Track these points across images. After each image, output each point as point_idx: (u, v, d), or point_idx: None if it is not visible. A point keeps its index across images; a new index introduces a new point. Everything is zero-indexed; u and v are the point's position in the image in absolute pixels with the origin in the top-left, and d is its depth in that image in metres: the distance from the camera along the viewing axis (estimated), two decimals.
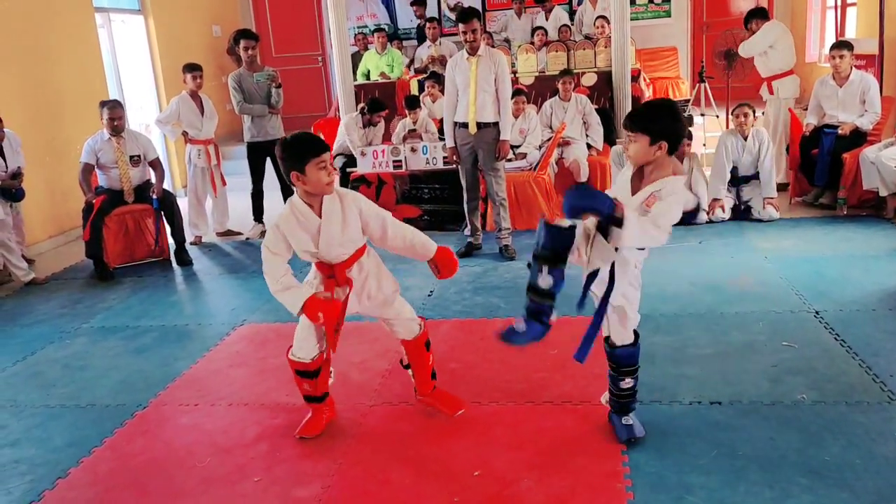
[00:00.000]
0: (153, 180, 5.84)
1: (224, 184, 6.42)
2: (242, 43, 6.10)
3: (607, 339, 2.69)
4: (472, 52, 4.95)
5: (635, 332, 2.68)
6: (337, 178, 2.92)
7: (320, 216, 2.64)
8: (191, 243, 6.15)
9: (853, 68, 5.73)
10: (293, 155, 2.58)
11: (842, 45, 5.80)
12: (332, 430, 2.99)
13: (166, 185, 8.06)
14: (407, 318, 2.98)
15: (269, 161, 6.22)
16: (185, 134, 6.20)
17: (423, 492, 2.54)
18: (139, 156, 5.68)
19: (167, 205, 5.63)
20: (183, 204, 6.49)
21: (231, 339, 4.07)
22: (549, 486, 2.52)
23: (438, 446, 2.82)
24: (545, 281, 2.52)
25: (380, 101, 6.69)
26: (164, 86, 8.20)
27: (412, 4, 9.45)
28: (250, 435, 3.00)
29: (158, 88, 8.26)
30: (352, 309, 2.81)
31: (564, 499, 2.44)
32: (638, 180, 2.53)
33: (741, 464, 2.55)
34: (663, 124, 2.43)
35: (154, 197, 5.63)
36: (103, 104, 5.57)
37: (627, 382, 2.71)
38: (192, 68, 6.11)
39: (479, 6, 9.82)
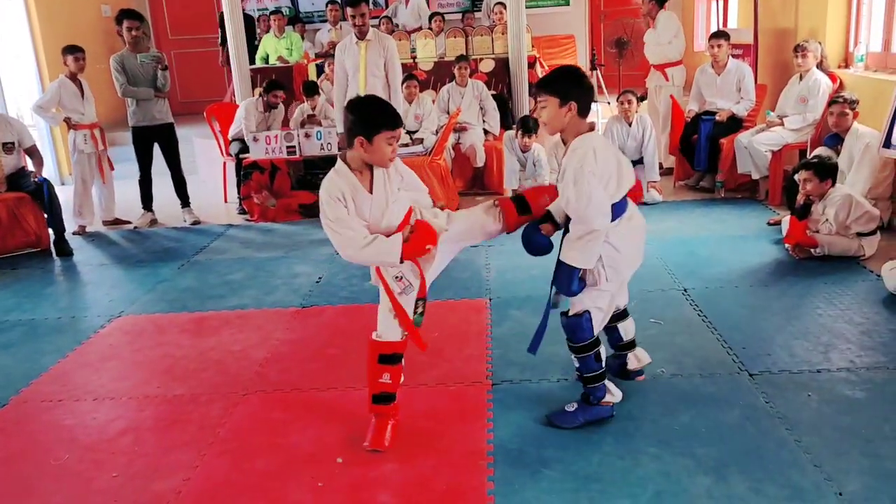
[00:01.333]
0: (30, 168, 5.55)
1: (112, 169, 6.16)
2: (126, 23, 5.84)
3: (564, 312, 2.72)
4: (361, 36, 4.93)
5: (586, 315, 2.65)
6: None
7: (370, 190, 2.47)
8: (74, 233, 5.88)
9: (730, 57, 6.00)
10: (367, 120, 2.39)
11: (720, 34, 6.06)
12: (201, 421, 2.93)
13: (52, 173, 7.77)
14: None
15: (156, 146, 6.01)
16: (67, 120, 5.90)
17: (288, 479, 2.53)
18: (13, 143, 5.39)
19: (43, 193, 5.35)
20: (67, 192, 6.21)
21: (105, 331, 3.92)
22: (413, 467, 2.55)
23: (307, 434, 2.81)
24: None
25: (277, 81, 6.56)
26: (47, 68, 7.77)
27: None
28: (113, 430, 2.90)
29: (41, 71, 7.82)
30: (415, 283, 2.61)
31: (426, 478, 2.48)
32: (566, 152, 2.53)
33: (598, 437, 2.65)
34: (569, 85, 2.47)
35: (35, 181, 5.35)
36: None
37: (576, 361, 2.71)
38: (73, 50, 5.80)
39: None
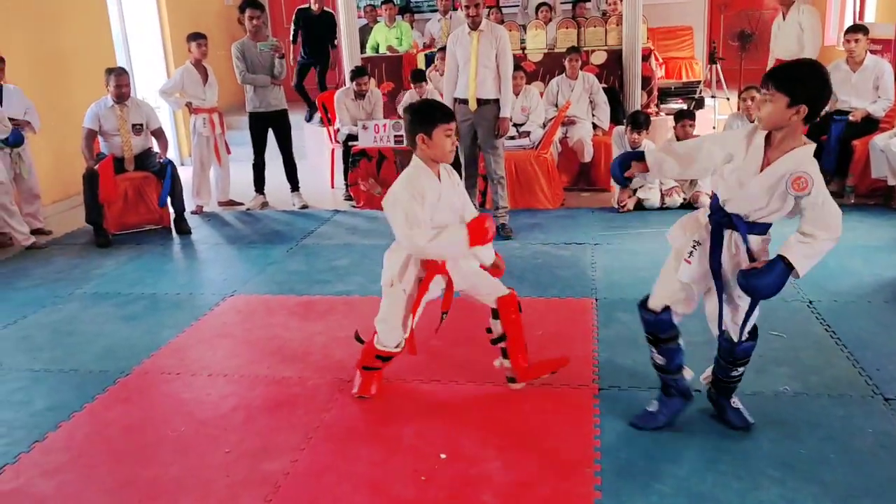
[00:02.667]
0: (155, 149, 5.85)
1: (229, 153, 6.41)
2: (248, 12, 6.04)
3: (724, 332, 2.56)
4: (474, 26, 4.87)
5: (755, 327, 2.55)
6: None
7: (439, 179, 2.71)
8: (192, 212, 6.16)
9: (868, 53, 5.57)
10: (423, 118, 2.65)
11: (857, 28, 5.64)
12: (308, 405, 2.99)
13: (173, 155, 8.18)
14: (490, 282, 2.97)
15: (271, 132, 6.20)
16: (188, 104, 6.17)
17: (391, 470, 2.53)
18: (142, 124, 5.68)
19: (167, 173, 5.62)
20: (187, 173, 6.51)
21: (220, 309, 4.07)
22: (517, 468, 2.50)
23: (410, 426, 2.80)
24: (658, 359, 2.64)
25: (362, 68, 6.64)
26: (172, 54, 8.17)
27: None
28: (226, 406, 3.00)
29: (167, 57, 8.23)
30: (460, 286, 2.87)
31: (531, 481, 2.43)
32: (768, 146, 2.32)
33: (714, 454, 2.52)
34: (809, 85, 2.21)
35: (159, 162, 5.64)
36: (109, 71, 5.58)
37: (738, 371, 2.60)
38: (196, 37, 6.06)
39: None
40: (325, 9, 8.12)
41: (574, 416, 2.80)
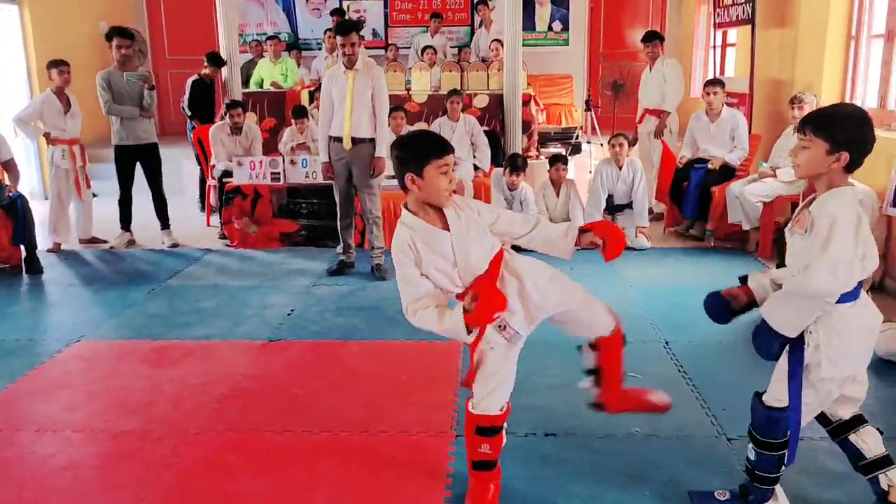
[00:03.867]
0: (6, 182, 5.43)
1: (89, 187, 6.03)
2: (115, 41, 5.77)
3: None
4: (350, 65, 4.84)
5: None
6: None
7: (445, 227, 2.24)
8: (48, 250, 5.74)
9: (725, 105, 5.94)
10: (412, 154, 2.21)
11: (715, 82, 6.01)
12: (147, 461, 2.76)
13: (36, 188, 7.66)
14: (598, 305, 2.51)
15: (138, 166, 5.90)
16: (46, 135, 5.79)
17: None
18: None
19: (17, 208, 5.21)
20: (44, 208, 6.08)
21: (62, 356, 3.76)
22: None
23: (257, 482, 2.63)
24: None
25: (237, 101, 6.50)
26: (38, 83, 7.69)
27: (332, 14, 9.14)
28: (52, 466, 2.73)
29: (32, 85, 7.74)
30: (533, 322, 2.37)
31: None
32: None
33: (562, 500, 2.49)
34: (851, 131, 2.04)
35: (9, 196, 5.22)
36: None
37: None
38: (57, 63, 5.73)
39: (381, 22, 9.76)
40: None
41: (427, 467, 2.72)
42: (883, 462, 2.26)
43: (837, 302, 2.09)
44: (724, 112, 5.88)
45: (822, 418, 2.31)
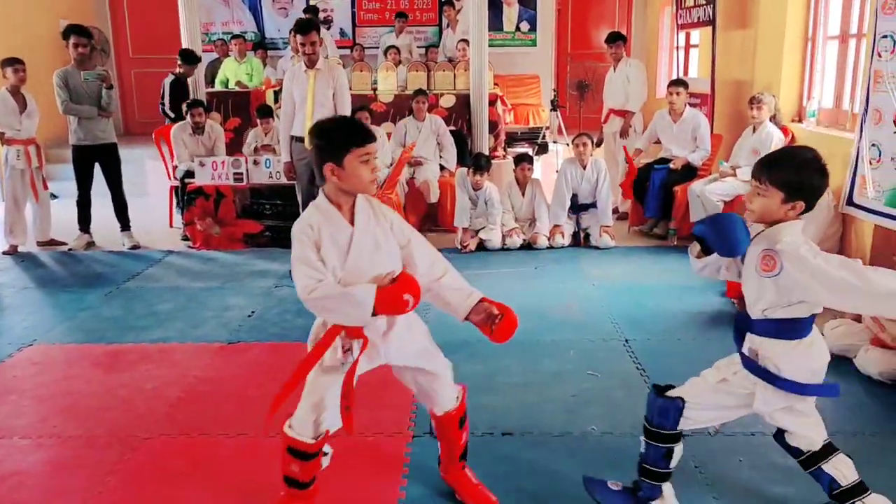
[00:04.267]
0: None
1: (46, 188, 5.91)
2: (72, 39, 5.66)
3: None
4: (311, 65, 4.80)
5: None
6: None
7: (351, 222, 2.13)
8: (4, 252, 5.62)
9: (687, 106, 6.00)
10: (331, 142, 2.09)
11: (678, 82, 6.06)
12: (93, 467, 2.70)
13: None
14: (446, 383, 2.36)
15: (97, 166, 5.79)
16: (1, 134, 5.66)
17: None
18: None
19: None
20: (2, 210, 5.94)
21: (12, 361, 3.67)
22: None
23: (207, 486, 2.59)
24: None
25: (198, 100, 6.42)
26: None
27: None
28: None
29: None
30: (374, 362, 2.25)
31: None
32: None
33: (515, 499, 2.48)
34: (807, 180, 2.00)
35: None
36: None
37: None
38: (12, 62, 5.60)
39: (349, 21, 9.71)
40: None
41: (383, 468, 2.70)
42: (858, 489, 2.23)
43: (782, 337, 2.12)
44: (686, 112, 5.94)
45: (793, 450, 2.29)
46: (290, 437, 2.20)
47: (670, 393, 2.27)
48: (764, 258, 2.04)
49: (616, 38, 6.50)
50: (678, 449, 2.29)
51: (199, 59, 6.84)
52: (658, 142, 6.21)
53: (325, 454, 2.33)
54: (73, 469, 2.70)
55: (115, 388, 3.37)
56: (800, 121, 5.68)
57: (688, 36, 7.56)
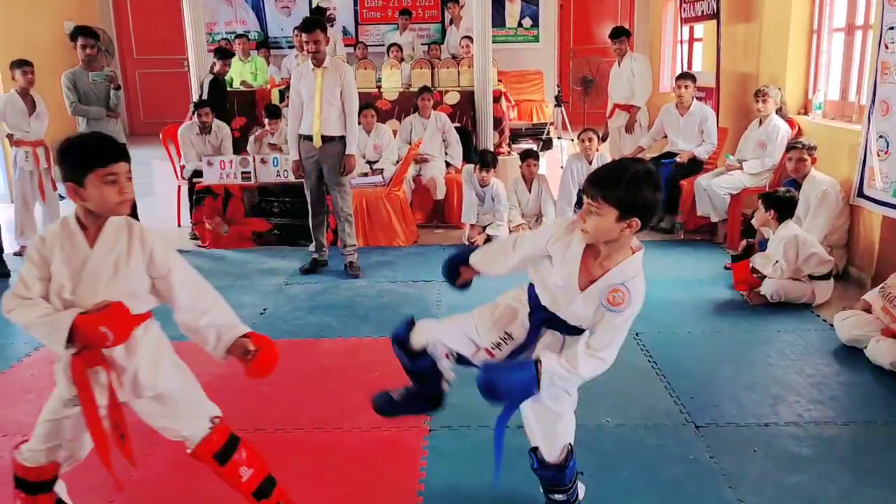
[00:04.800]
0: None
1: (55, 189, 5.94)
2: (80, 41, 5.69)
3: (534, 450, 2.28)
4: (317, 63, 4.82)
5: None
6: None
7: (91, 246, 1.99)
8: (15, 253, 5.65)
9: (694, 99, 6.02)
10: (70, 161, 1.95)
11: (686, 76, 6.09)
12: (116, 463, 2.72)
13: (1, 191, 7.51)
14: (187, 421, 2.20)
15: None
16: (9, 136, 5.70)
17: None
18: None
19: None
20: (10, 211, 5.97)
21: (29, 360, 3.71)
22: None
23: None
24: None
25: (204, 100, 6.45)
26: (1, 83, 7.55)
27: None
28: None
29: None
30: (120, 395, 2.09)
31: None
32: (591, 258, 2.01)
33: (533, 491, 2.51)
34: (641, 197, 1.88)
35: None
36: None
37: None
38: (21, 64, 5.63)
39: (352, 19, 9.73)
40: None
41: (401, 461, 2.73)
42: None
43: None
44: (693, 106, 5.96)
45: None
46: (15, 461, 2.11)
47: (561, 456, 2.26)
48: (615, 291, 1.98)
49: (620, 34, 6.52)
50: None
51: (232, 54, 6.96)
52: (664, 137, 6.22)
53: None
54: (96, 465, 2.72)
55: None
56: (805, 113, 5.69)
57: (692, 30, 7.57)
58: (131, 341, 2.04)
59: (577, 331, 2.11)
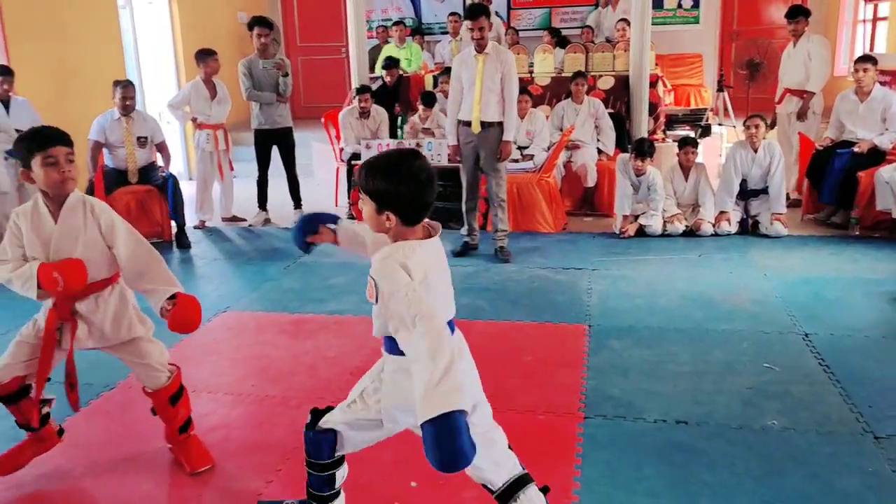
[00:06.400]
0: (159, 163, 5.90)
1: (231, 169, 6.44)
2: (256, 30, 6.11)
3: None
4: (480, 49, 4.88)
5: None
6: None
7: (56, 221, 2.38)
8: (195, 227, 6.19)
9: (877, 83, 5.52)
10: (20, 148, 2.36)
11: (866, 58, 5.60)
12: (289, 425, 2.95)
13: (181, 170, 8.25)
14: (148, 365, 2.58)
15: (275, 149, 6.23)
16: (193, 119, 6.23)
17: (362, 498, 2.49)
18: (146, 137, 5.73)
19: (168, 187, 5.66)
20: (191, 188, 6.55)
21: (211, 325, 4.07)
22: (492, 500, 2.44)
23: (387, 450, 2.74)
24: None
25: (365, 86, 6.69)
26: (184, 70, 8.27)
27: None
28: (207, 424, 2.96)
29: (179, 72, 8.33)
30: (83, 344, 2.48)
31: None
32: None
33: (694, 488, 2.45)
34: (392, 188, 1.80)
35: (162, 176, 5.70)
36: (116, 83, 5.65)
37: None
38: (204, 54, 6.13)
39: (504, 4, 9.73)
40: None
41: (556, 447, 2.75)
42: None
43: None
44: (875, 91, 5.47)
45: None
46: None
47: (323, 425, 2.16)
48: (369, 285, 1.93)
49: (798, 13, 6.08)
50: (340, 472, 2.22)
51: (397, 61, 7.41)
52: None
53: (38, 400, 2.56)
54: (272, 426, 2.97)
55: (300, 354, 3.65)
56: None
57: (875, 8, 6.93)
58: (99, 300, 2.45)
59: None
